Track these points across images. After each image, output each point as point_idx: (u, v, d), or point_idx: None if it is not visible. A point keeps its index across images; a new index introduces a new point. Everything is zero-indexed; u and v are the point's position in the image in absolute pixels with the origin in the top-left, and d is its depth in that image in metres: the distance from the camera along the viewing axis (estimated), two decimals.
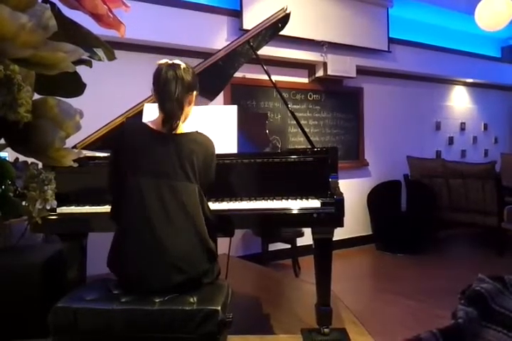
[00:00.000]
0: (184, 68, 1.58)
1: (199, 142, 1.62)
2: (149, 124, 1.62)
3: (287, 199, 1.95)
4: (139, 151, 1.56)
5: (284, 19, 2.41)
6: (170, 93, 1.55)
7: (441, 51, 5.37)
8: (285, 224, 2.15)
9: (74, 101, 0.65)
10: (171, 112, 1.56)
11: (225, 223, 1.87)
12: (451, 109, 5.94)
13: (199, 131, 1.66)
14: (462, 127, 6.07)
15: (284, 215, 1.87)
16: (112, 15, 0.71)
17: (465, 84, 6.05)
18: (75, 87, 0.69)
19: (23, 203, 0.62)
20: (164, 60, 1.60)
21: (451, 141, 5.92)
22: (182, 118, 1.62)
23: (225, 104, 3.81)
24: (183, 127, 1.63)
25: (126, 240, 1.51)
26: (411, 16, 5.10)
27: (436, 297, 3.09)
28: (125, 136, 1.63)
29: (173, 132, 1.58)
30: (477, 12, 3.64)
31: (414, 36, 5.13)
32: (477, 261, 4.17)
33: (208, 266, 1.55)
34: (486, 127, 6.38)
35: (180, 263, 1.46)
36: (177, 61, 1.59)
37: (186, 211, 1.51)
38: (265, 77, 2.35)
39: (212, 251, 1.57)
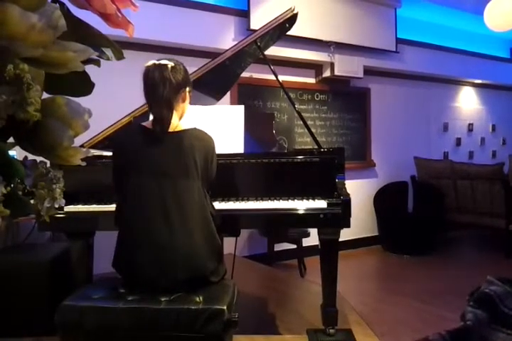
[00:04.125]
0: (172, 67, 1.54)
1: (198, 138, 1.60)
2: (145, 125, 1.60)
3: (294, 199, 1.94)
4: (137, 152, 1.55)
5: (292, 19, 2.40)
6: (157, 96, 1.53)
7: (450, 52, 5.34)
8: (291, 224, 2.15)
9: (82, 101, 0.65)
10: (159, 115, 1.54)
11: (231, 223, 1.88)
12: (459, 110, 5.90)
13: (197, 128, 1.64)
14: (470, 128, 6.02)
15: (290, 215, 1.87)
16: (120, 15, 0.71)
17: (473, 84, 6.01)
18: (84, 86, 0.70)
19: (32, 201, 0.62)
20: (151, 62, 1.57)
21: (458, 142, 5.88)
22: (178, 115, 1.62)
23: (231, 103, 3.81)
24: (182, 124, 1.62)
25: (129, 241, 1.53)
26: (419, 17, 5.07)
27: (442, 299, 3.07)
28: (122, 138, 1.65)
29: (166, 132, 1.55)
30: (486, 12, 3.61)
31: (422, 37, 5.10)
32: (484, 263, 4.14)
33: (214, 265, 1.54)
34: (494, 128, 6.34)
35: (182, 261, 1.47)
36: (164, 61, 1.55)
37: (188, 209, 1.51)
38: (272, 77, 2.35)
39: (218, 250, 1.57)
